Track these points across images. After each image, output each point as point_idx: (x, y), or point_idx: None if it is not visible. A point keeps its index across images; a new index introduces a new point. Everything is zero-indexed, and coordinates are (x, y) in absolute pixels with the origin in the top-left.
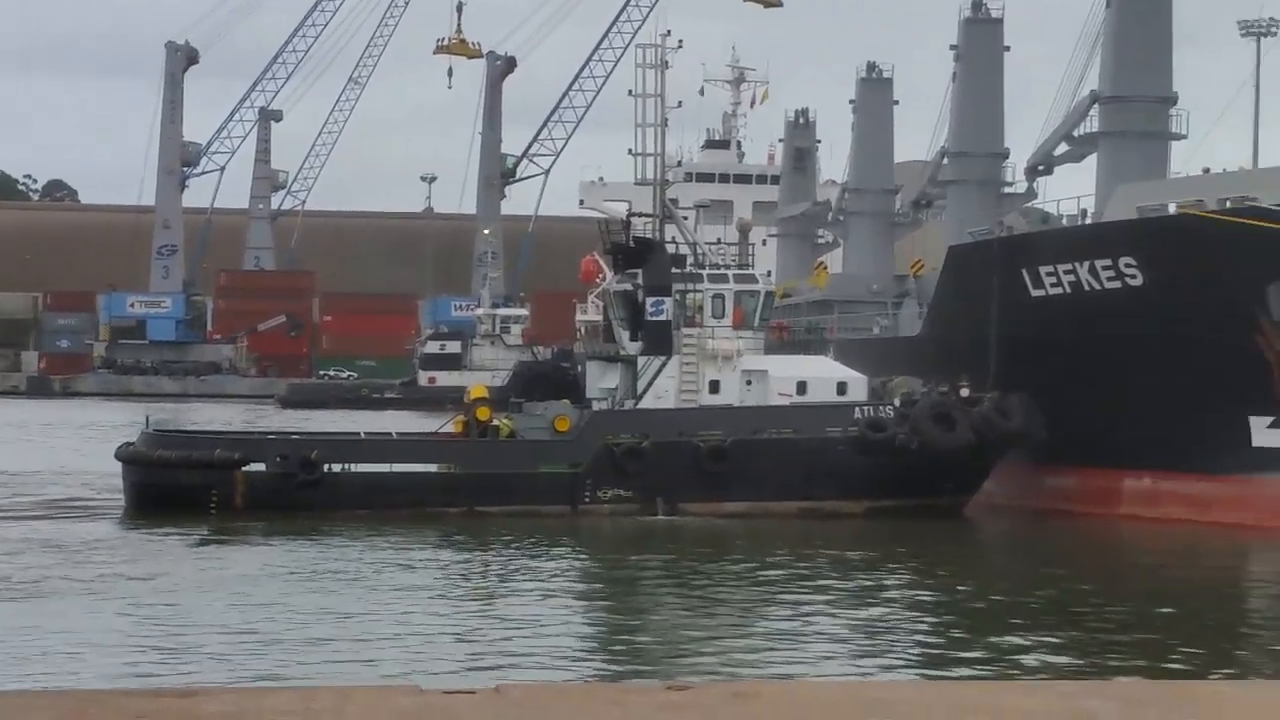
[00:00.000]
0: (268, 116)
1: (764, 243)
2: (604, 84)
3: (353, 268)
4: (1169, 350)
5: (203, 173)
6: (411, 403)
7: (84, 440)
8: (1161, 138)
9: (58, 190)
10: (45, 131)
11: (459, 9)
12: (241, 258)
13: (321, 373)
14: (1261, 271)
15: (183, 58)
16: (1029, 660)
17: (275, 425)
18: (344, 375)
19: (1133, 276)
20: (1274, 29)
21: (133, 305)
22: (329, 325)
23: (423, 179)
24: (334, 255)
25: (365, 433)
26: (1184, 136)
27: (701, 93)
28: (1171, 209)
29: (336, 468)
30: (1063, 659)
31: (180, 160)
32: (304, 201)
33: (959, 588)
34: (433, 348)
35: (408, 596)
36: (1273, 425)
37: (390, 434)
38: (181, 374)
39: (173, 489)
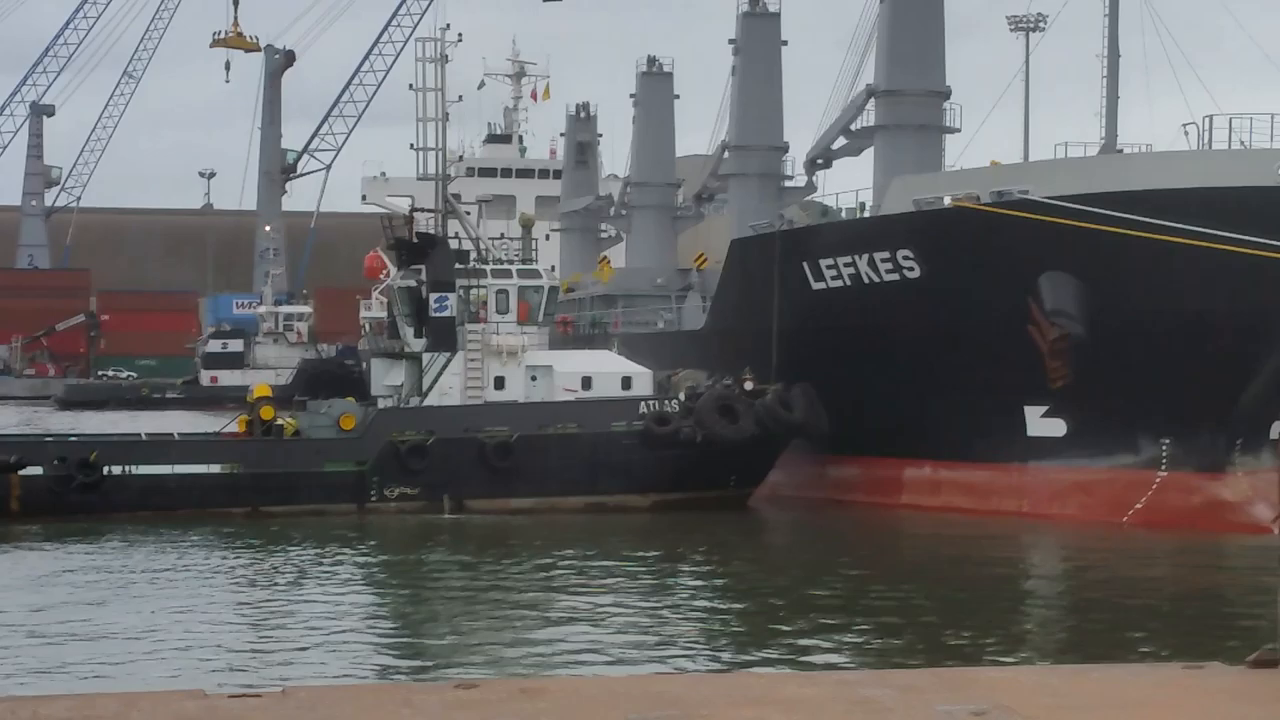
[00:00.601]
0: (39, 111)
1: (547, 237)
2: (384, 78)
3: (130, 265)
4: (946, 341)
5: None
6: (194, 402)
7: None
8: (936, 130)
9: None
10: None
11: (235, 2)
12: (14, 256)
13: (100, 372)
14: (1033, 262)
15: None
16: (813, 650)
17: (53, 427)
18: (123, 375)
19: (910, 269)
20: (1042, 24)
21: None
22: (107, 324)
23: (201, 174)
24: (111, 252)
25: (146, 433)
26: (957, 130)
27: (482, 86)
28: (947, 201)
29: (117, 469)
30: (846, 648)
31: None
32: (79, 198)
33: (744, 580)
34: (214, 346)
35: (192, 600)
36: (1046, 415)
37: (172, 434)
38: None
39: None
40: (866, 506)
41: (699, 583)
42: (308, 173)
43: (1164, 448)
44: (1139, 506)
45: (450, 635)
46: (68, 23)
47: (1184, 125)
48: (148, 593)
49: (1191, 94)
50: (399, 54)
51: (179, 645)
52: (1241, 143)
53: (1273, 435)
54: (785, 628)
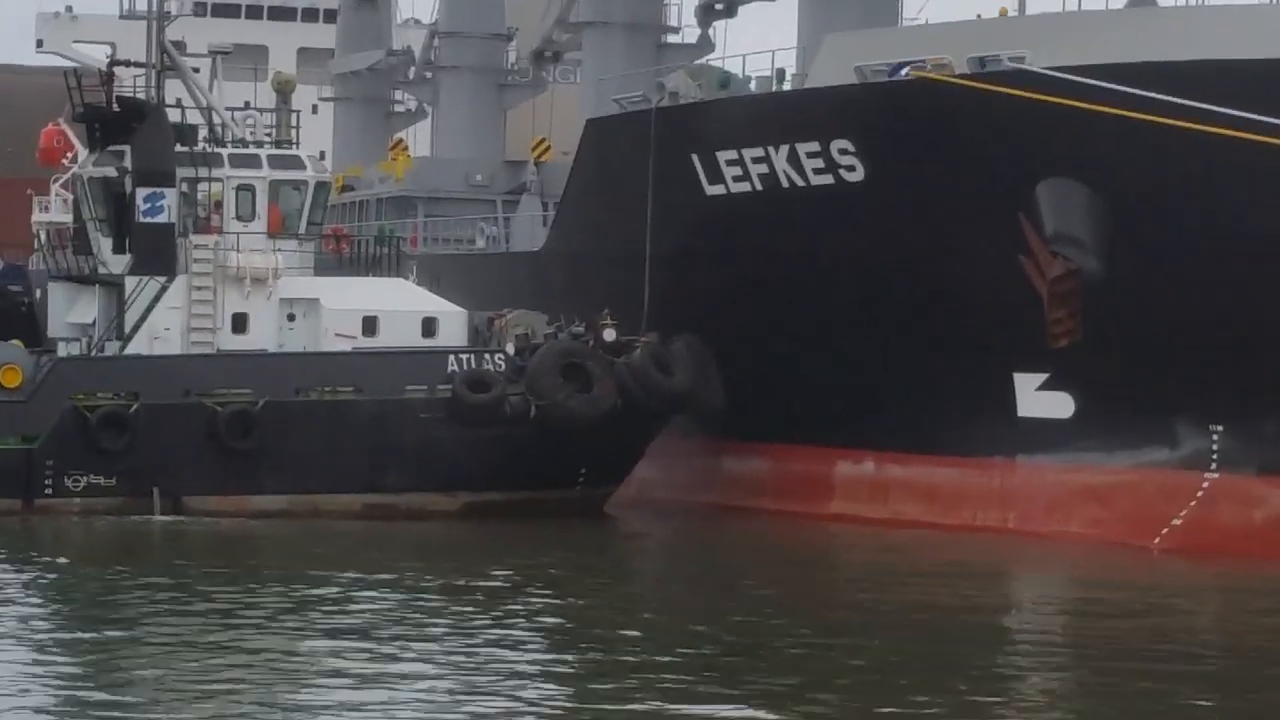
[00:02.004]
0: None
1: (315, 109)
2: None
3: None
4: (899, 277)
5: None
6: None
7: None
8: None
9: None
10: None
11: None
12: None
13: None
14: (1031, 163)
15: None
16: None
17: None
18: None
19: (850, 168)
20: None
21: None
22: None
23: None
24: None
25: None
26: None
27: None
28: (905, 72)
29: None
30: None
31: None
32: None
33: (592, 631)
34: None
35: None
36: (1045, 386)
37: None
38: None
39: None
40: (779, 516)
41: (526, 634)
42: None
43: (1215, 438)
44: (1177, 524)
45: (155, 703)
46: None
47: None
48: None
49: None
50: None
51: None
52: None
53: None
54: (644, 707)
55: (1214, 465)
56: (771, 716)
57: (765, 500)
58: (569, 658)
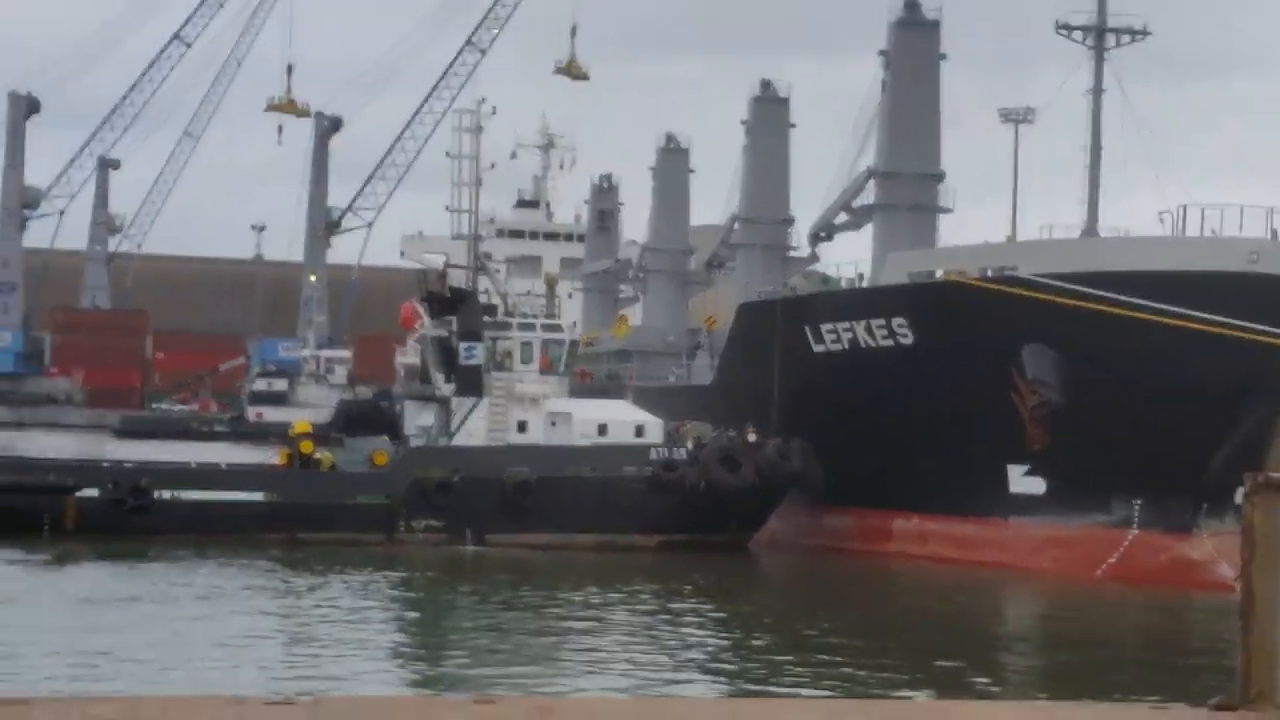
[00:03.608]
0: (106, 164)
1: (570, 296)
2: (425, 144)
3: (185, 309)
4: (936, 403)
5: (42, 215)
6: (239, 436)
7: None
8: (930, 210)
9: None
10: None
11: (289, 71)
12: (79, 297)
13: (153, 405)
14: (1018, 334)
15: (24, 105)
16: (805, 682)
17: (109, 454)
18: (175, 408)
19: (904, 335)
20: (1030, 118)
21: None
22: (161, 362)
23: (253, 227)
24: (167, 296)
25: (195, 462)
26: (950, 210)
27: (514, 156)
28: (939, 275)
29: (166, 494)
30: (837, 680)
31: (20, 202)
32: (140, 245)
33: (742, 616)
34: (260, 385)
35: (231, 616)
36: (1027, 474)
37: (219, 464)
38: (16, 404)
39: (7, 511)
40: (858, 554)
41: (699, 618)
42: (351, 229)
43: (1136, 509)
44: (1111, 562)
45: (470, 656)
46: (134, 85)
47: (1160, 213)
48: (189, 608)
49: (1167, 186)
50: (438, 123)
51: (218, 656)
52: (1212, 231)
53: (1236, 500)
54: (780, 660)
55: (1135, 526)
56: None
57: (849, 543)
58: (721, 633)
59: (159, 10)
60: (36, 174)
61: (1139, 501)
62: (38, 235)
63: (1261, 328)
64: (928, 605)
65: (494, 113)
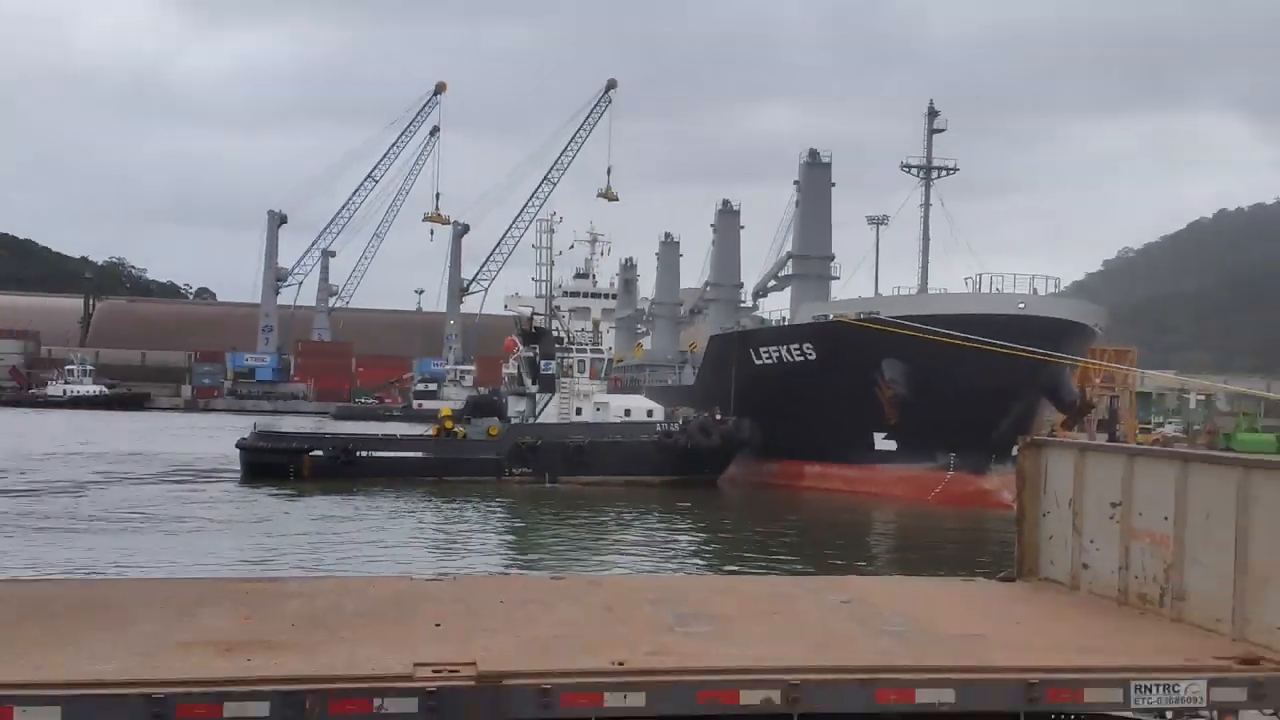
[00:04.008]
0: (327, 254)
1: (607, 331)
2: (520, 238)
3: (374, 341)
4: (829, 395)
5: (288, 285)
6: (409, 418)
7: (213, 438)
8: (825, 278)
9: (204, 293)
10: (197, 259)
11: (437, 196)
12: (311, 334)
13: (357, 399)
14: (879, 353)
15: (278, 219)
16: (754, 564)
17: (329, 429)
18: (369, 401)
19: (810, 354)
20: (886, 221)
21: (247, 359)
22: (360, 375)
23: (415, 291)
24: (364, 334)
25: (382, 434)
26: (838, 278)
27: (572, 246)
28: (831, 317)
29: (364, 453)
30: (776, 563)
31: (275, 278)
32: (347, 302)
33: (715, 523)
34: (420, 387)
35: (400, 524)
36: (886, 437)
37: (396, 434)
38: (274, 399)
39: (268, 464)
40: (783, 487)
41: (684, 523)
42: (474, 291)
43: (952, 459)
44: (937, 491)
45: (549, 550)
46: (344, 205)
47: (965, 278)
48: (379, 521)
49: (968, 262)
50: (527, 226)
51: (395, 549)
52: (996, 289)
53: (1013, 453)
54: (738, 552)
55: (951, 469)
56: (780, 556)
57: (778, 480)
58: (702, 535)
59: (361, 159)
60: (285, 259)
61: (954, 454)
62: (286, 297)
63: (1026, 349)
64: (825, 518)
65: (560, 221)
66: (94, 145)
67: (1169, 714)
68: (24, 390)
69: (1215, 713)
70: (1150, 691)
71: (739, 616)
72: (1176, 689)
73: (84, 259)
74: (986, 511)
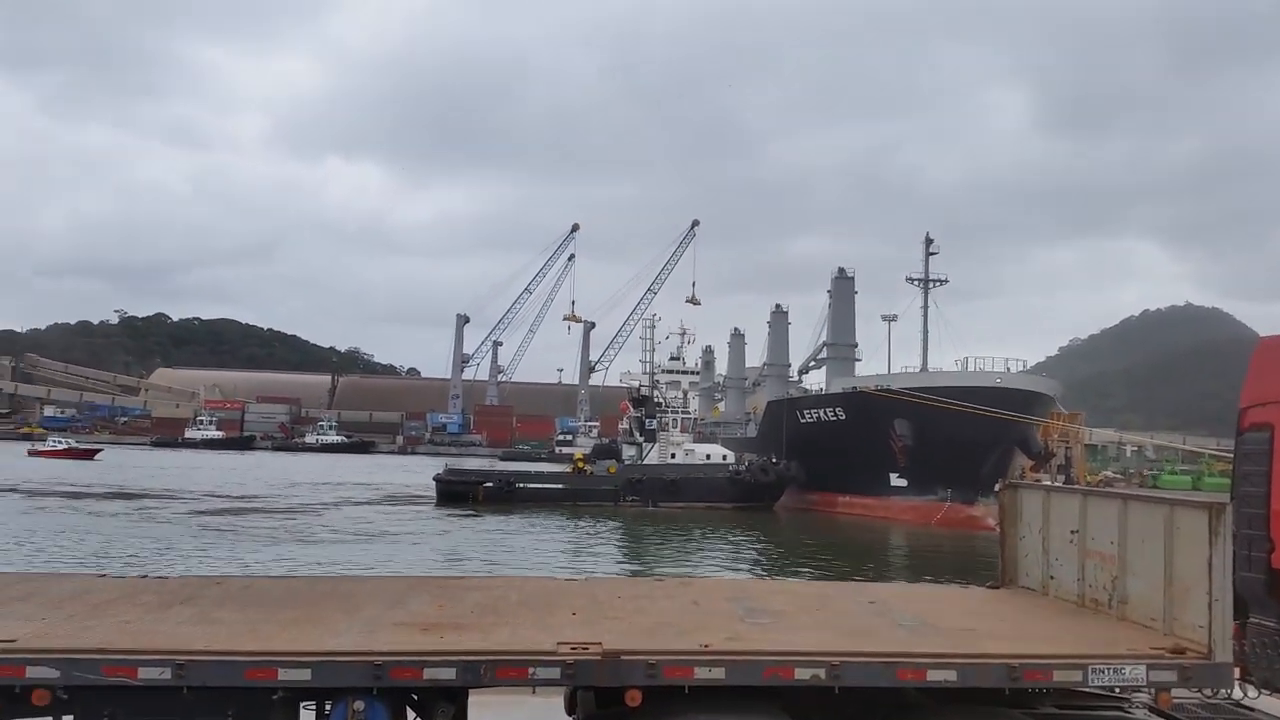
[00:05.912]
0: (496, 344)
1: (693, 398)
2: (632, 331)
3: (529, 405)
4: (855, 445)
5: (470, 365)
6: (553, 459)
7: (416, 473)
8: (851, 360)
9: (412, 371)
10: (408, 347)
11: (573, 303)
12: (486, 399)
13: (517, 445)
14: (892, 414)
15: (463, 319)
16: (803, 571)
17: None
18: (526, 448)
19: (841, 415)
20: (895, 318)
21: (440, 418)
22: (519, 428)
23: (557, 369)
24: (522, 400)
25: (534, 471)
26: (860, 359)
27: (667, 338)
28: (855, 388)
29: (521, 485)
30: (816, 569)
31: (460, 361)
32: (510, 377)
33: (770, 537)
34: (561, 437)
35: (545, 535)
36: (898, 476)
37: (543, 471)
38: (458, 446)
39: (455, 493)
40: (821, 512)
41: (749, 537)
42: (599, 369)
43: (948, 493)
44: (938, 517)
45: (652, 556)
46: (508, 309)
47: (956, 360)
48: (533, 534)
49: (959, 349)
50: (637, 323)
51: (540, 553)
52: (980, 368)
53: (995, 490)
54: (788, 561)
55: (948, 501)
56: (822, 563)
57: (817, 507)
58: (761, 546)
59: (521, 276)
60: (468, 347)
61: (950, 490)
62: (468, 374)
63: (1003, 412)
64: (853, 536)
65: (659, 319)
66: (337, 270)
67: (1117, 689)
68: (289, 440)
69: (1153, 690)
70: (1103, 673)
71: (792, 611)
72: (1123, 672)
73: (331, 348)
74: (975, 533)
